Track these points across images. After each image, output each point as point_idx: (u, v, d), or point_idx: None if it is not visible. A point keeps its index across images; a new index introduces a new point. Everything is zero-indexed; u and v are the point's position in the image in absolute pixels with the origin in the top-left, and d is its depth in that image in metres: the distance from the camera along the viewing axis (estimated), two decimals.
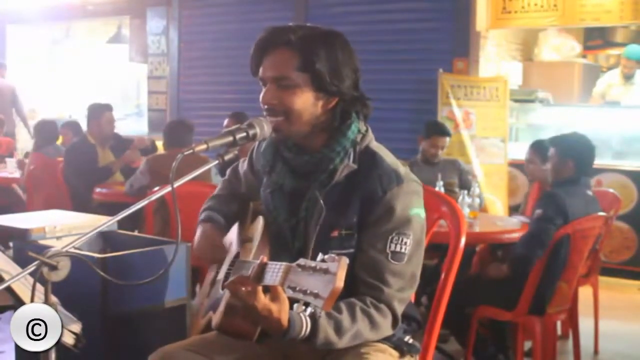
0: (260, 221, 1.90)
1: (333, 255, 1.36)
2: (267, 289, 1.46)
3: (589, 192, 3.49)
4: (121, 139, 5.93)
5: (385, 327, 1.68)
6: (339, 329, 1.58)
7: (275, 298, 1.45)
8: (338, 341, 1.59)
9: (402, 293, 1.70)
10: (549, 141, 3.81)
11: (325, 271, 1.33)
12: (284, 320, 1.48)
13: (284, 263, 1.44)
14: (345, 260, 1.35)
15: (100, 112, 5.52)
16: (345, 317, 1.59)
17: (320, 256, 1.38)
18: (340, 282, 1.32)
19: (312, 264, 1.36)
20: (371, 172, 1.73)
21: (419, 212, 1.74)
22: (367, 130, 1.81)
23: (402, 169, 1.76)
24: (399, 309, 1.70)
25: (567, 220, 3.25)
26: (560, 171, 3.53)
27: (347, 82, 1.72)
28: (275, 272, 1.45)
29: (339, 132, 1.75)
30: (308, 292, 1.34)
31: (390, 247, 1.68)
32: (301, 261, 1.39)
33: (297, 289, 1.35)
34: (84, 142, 5.54)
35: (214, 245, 1.93)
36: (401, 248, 1.68)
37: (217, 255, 1.94)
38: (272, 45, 1.72)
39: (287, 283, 1.38)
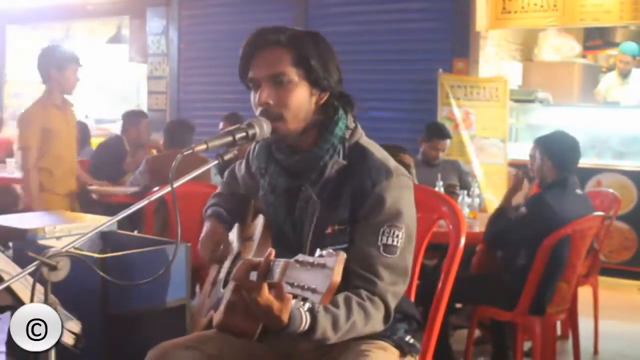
0: (260, 219, 1.90)
1: (331, 250, 1.36)
2: (271, 285, 1.46)
3: (578, 191, 3.47)
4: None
5: (378, 320, 1.68)
6: (335, 324, 1.58)
7: (278, 296, 1.44)
8: (333, 336, 1.59)
9: (395, 287, 1.70)
10: (534, 141, 3.71)
11: (323, 266, 1.33)
12: (285, 318, 1.47)
13: (282, 259, 1.43)
14: (343, 255, 1.35)
15: (138, 119, 5.74)
16: (342, 312, 1.59)
17: (318, 252, 1.37)
18: (337, 277, 1.32)
19: (310, 259, 1.36)
20: (361, 167, 1.74)
21: (409, 205, 1.74)
22: (355, 127, 1.82)
23: (393, 163, 1.77)
24: (393, 303, 1.70)
25: (554, 223, 3.23)
26: (543, 172, 3.50)
27: (334, 77, 1.76)
28: (274, 268, 1.45)
29: (326, 129, 1.76)
30: (306, 287, 1.33)
31: (382, 239, 1.68)
32: (299, 257, 1.39)
33: (295, 284, 1.35)
34: (119, 144, 5.59)
35: (217, 243, 1.94)
36: (393, 241, 1.68)
37: (219, 253, 1.94)
38: (262, 46, 1.74)
39: (285, 279, 1.37)
